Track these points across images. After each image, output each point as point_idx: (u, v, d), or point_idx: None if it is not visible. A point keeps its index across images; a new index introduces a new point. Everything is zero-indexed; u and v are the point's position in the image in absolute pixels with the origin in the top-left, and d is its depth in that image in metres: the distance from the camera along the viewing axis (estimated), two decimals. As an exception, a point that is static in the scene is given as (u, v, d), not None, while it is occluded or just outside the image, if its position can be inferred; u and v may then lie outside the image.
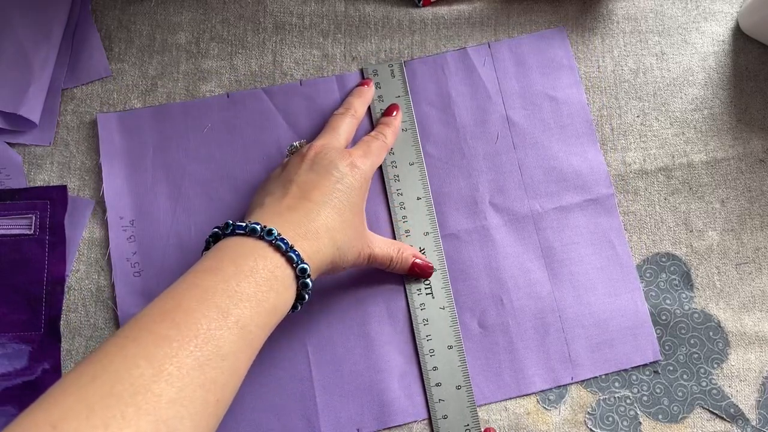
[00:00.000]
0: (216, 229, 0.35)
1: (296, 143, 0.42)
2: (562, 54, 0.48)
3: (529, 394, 0.42)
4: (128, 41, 0.47)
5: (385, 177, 0.45)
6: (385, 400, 0.41)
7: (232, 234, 0.34)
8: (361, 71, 0.47)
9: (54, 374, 0.41)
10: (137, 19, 0.47)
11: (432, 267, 0.43)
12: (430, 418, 0.41)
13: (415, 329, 0.43)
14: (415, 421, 0.41)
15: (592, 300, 0.44)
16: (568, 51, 0.48)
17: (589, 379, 0.43)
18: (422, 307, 0.43)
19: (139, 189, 0.44)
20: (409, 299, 0.43)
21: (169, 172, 0.45)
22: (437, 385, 0.42)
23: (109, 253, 0.43)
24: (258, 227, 0.33)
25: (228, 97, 0.46)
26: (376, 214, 0.44)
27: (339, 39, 0.48)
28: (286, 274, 0.33)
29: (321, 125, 0.46)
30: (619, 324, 0.43)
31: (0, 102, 0.43)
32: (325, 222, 0.36)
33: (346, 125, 0.43)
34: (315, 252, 0.35)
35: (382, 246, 0.40)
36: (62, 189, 0.44)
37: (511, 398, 0.42)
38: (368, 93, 0.46)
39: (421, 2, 0.48)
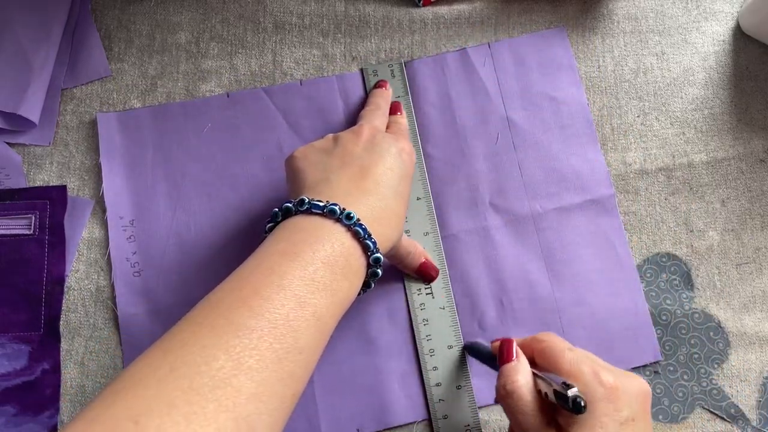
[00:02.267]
0: (288, 204, 0.33)
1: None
2: (562, 54, 0.48)
3: (530, 395, 0.42)
4: (128, 41, 0.47)
5: (385, 177, 0.45)
6: (385, 400, 0.41)
7: (308, 212, 0.32)
8: (361, 71, 0.47)
9: (54, 374, 0.41)
10: (137, 19, 0.47)
11: (438, 271, 0.43)
12: (430, 419, 0.41)
13: (415, 329, 0.42)
14: (416, 422, 0.41)
15: (593, 300, 0.44)
16: (568, 51, 0.48)
17: (590, 379, 0.43)
18: (422, 307, 0.43)
19: (138, 189, 0.44)
20: (409, 299, 0.43)
21: (169, 172, 0.45)
22: (437, 385, 0.41)
23: (109, 252, 0.43)
24: (337, 209, 0.31)
25: (228, 96, 0.46)
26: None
27: (339, 39, 0.47)
28: (360, 262, 0.32)
29: (321, 125, 0.46)
30: (620, 324, 0.43)
31: None
32: (395, 208, 0.35)
33: (379, 117, 0.42)
34: (385, 239, 0.34)
35: (405, 237, 0.40)
36: (62, 189, 0.44)
37: (511, 398, 0.42)
38: (387, 93, 0.45)
39: (421, 2, 0.48)
